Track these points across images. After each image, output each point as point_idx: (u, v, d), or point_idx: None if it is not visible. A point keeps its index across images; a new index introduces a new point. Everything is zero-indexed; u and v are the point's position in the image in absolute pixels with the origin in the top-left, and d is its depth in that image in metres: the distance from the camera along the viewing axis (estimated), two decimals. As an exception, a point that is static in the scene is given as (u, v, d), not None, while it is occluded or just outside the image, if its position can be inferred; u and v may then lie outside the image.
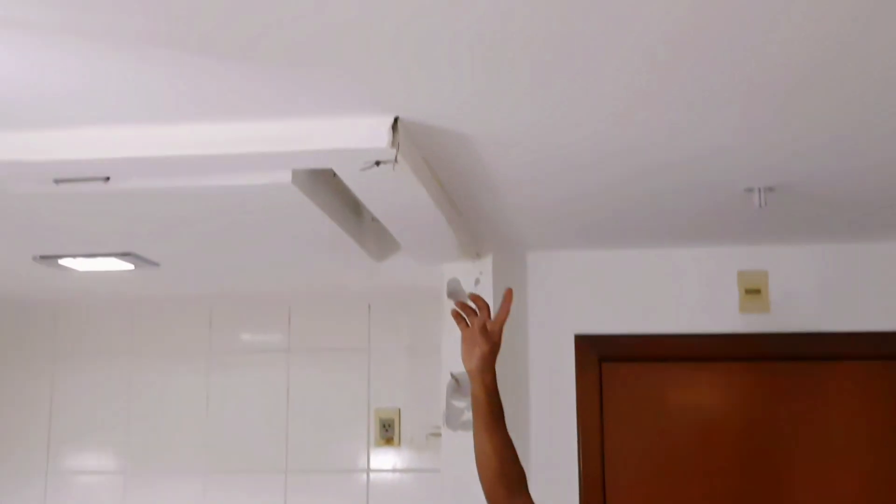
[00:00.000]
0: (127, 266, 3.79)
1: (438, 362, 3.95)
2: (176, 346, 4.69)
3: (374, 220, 3.54)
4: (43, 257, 3.67)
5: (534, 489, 3.91)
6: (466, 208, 3.48)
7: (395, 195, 2.96)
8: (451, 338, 3.90)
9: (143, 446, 4.64)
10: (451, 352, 3.89)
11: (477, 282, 3.90)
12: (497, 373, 3.82)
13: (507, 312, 2.60)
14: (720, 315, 3.98)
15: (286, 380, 4.62)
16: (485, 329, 2.60)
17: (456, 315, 2.62)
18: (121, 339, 4.72)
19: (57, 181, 2.84)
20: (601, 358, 4.01)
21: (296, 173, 2.84)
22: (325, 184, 3.10)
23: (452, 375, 3.85)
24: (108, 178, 2.83)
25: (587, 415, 3.97)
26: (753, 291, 3.98)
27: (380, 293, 4.52)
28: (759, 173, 3.12)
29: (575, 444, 3.95)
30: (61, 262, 3.71)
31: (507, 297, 2.62)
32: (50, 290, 4.41)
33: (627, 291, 4.02)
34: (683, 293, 4.01)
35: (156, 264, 3.80)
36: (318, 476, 4.53)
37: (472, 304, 2.66)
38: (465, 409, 3.83)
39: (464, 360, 2.62)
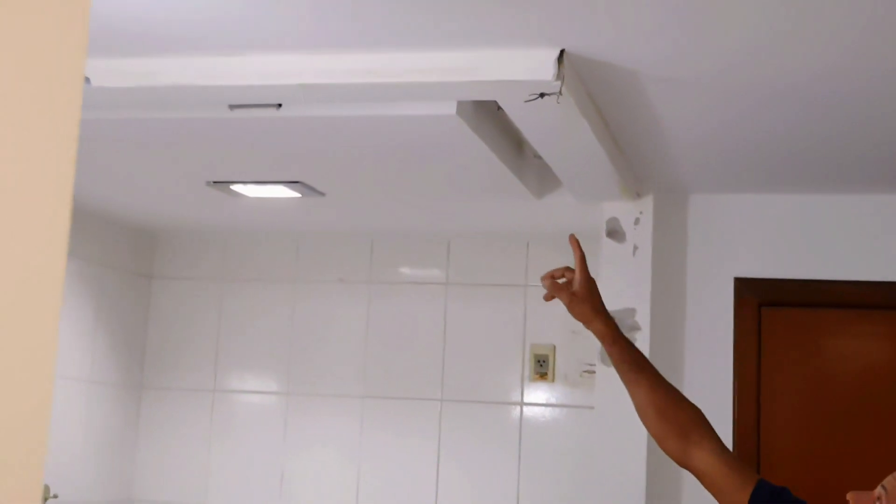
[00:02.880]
0: (295, 194, 3.90)
1: (595, 300, 3.96)
2: (338, 276, 4.81)
3: (535, 156, 3.57)
4: (216, 182, 3.81)
5: (686, 431, 3.92)
6: (629, 146, 3.47)
7: (558, 129, 2.98)
8: (608, 277, 3.91)
9: (304, 370, 4.80)
10: (606, 290, 3.87)
11: (637, 221, 3.90)
12: (654, 314, 3.84)
13: (580, 258, 2.46)
14: (887, 263, 3.88)
15: (443, 313, 4.70)
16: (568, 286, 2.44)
17: (550, 284, 2.46)
18: (286, 267, 4.87)
19: (231, 107, 2.94)
20: (761, 302, 3.96)
21: (460, 105, 2.89)
22: (488, 118, 3.13)
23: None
24: (279, 105, 2.93)
25: (744, 360, 3.93)
26: (924, 241, 3.86)
27: (539, 232, 4.54)
28: (934, 116, 3.04)
29: (730, 389, 3.92)
30: (233, 187, 3.84)
31: (572, 243, 2.50)
32: (221, 217, 4.57)
33: (790, 237, 3.95)
34: (849, 240, 3.92)
35: (322, 194, 3.90)
36: (472, 406, 4.62)
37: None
38: (620, 347, 3.83)
39: (575, 314, 2.48)
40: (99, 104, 2.95)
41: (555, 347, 4.57)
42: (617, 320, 3.82)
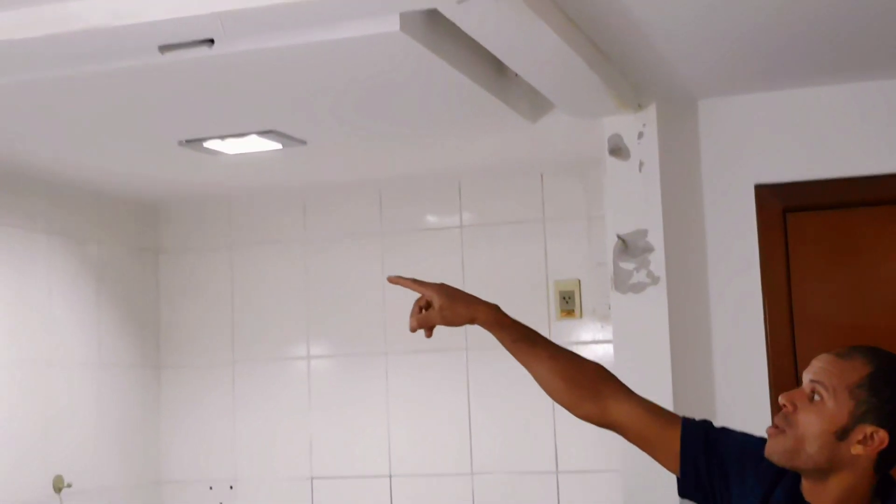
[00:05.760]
0: (275, 145, 3.69)
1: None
2: (349, 231, 4.61)
3: (518, 77, 3.29)
4: (188, 141, 3.62)
5: (716, 359, 3.65)
6: (614, 51, 3.19)
7: (516, 35, 2.71)
8: (615, 198, 3.65)
9: (323, 332, 4.60)
10: (615, 212, 3.64)
11: (640, 136, 3.60)
12: (668, 233, 3.57)
13: (409, 284, 2.37)
14: (920, 152, 3.55)
15: (461, 257, 4.46)
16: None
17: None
18: (294, 226, 4.67)
19: (161, 49, 2.73)
20: (785, 208, 3.65)
21: (405, 20, 2.63)
22: (450, 36, 2.86)
23: (619, 237, 3.59)
24: (212, 42, 2.70)
25: (772, 272, 3.63)
26: (958, 122, 3.52)
27: (549, 160, 4.28)
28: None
29: (760, 305, 3.62)
30: (206, 144, 3.64)
31: (396, 282, 2.40)
32: (219, 182, 4.40)
33: (812, 134, 3.63)
34: (877, 131, 3.59)
35: (302, 142, 3.69)
36: (500, 352, 4.34)
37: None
38: (633, 270, 3.57)
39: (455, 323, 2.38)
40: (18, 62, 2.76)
41: (579, 282, 4.31)
42: (628, 243, 3.60)
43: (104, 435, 4.36)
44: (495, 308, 2.34)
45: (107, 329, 4.43)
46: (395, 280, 2.38)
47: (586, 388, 2.27)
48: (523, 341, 2.34)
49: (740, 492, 2.16)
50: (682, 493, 2.25)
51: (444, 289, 2.32)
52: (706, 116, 3.72)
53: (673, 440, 2.21)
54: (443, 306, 2.29)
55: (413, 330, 2.33)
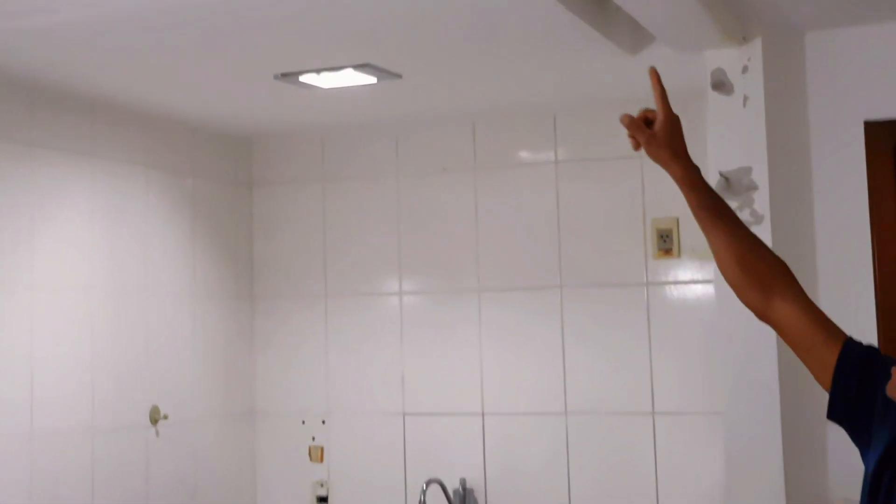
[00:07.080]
0: (370, 79, 3.65)
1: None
2: (442, 165, 4.56)
3: (619, 8, 3.20)
4: (284, 75, 3.59)
5: (823, 294, 3.54)
6: (720, -19, 3.08)
7: (619, -36, 2.62)
8: (718, 134, 3.54)
9: (415, 267, 4.58)
10: (718, 149, 3.53)
11: (745, 69, 3.48)
12: (773, 170, 3.46)
13: (660, 94, 2.20)
14: None
15: (555, 192, 4.39)
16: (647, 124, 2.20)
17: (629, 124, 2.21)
18: (387, 160, 4.64)
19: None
20: (896, 145, 3.52)
21: (504, -50, 2.56)
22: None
23: (721, 174, 3.49)
24: (308, -25, 2.66)
25: (881, 210, 3.50)
26: None
27: (650, 96, 4.14)
28: None
29: (868, 245, 3.50)
30: (302, 78, 3.61)
31: (651, 76, 2.23)
32: (312, 116, 4.38)
33: (926, 68, 3.48)
34: None
35: (398, 76, 3.64)
36: (594, 290, 4.32)
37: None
38: (736, 209, 3.46)
39: (652, 157, 2.21)
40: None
41: (678, 220, 4.21)
42: (731, 181, 3.49)
43: (199, 366, 4.40)
44: (694, 169, 2.18)
45: (202, 261, 4.46)
46: (653, 73, 2.23)
47: (758, 277, 2.13)
48: (710, 210, 2.16)
49: (879, 429, 2.00)
50: (831, 414, 2.10)
51: (670, 124, 2.18)
52: (814, 49, 3.58)
53: (831, 353, 2.06)
54: (655, 136, 2.16)
55: (626, 125, 2.18)
